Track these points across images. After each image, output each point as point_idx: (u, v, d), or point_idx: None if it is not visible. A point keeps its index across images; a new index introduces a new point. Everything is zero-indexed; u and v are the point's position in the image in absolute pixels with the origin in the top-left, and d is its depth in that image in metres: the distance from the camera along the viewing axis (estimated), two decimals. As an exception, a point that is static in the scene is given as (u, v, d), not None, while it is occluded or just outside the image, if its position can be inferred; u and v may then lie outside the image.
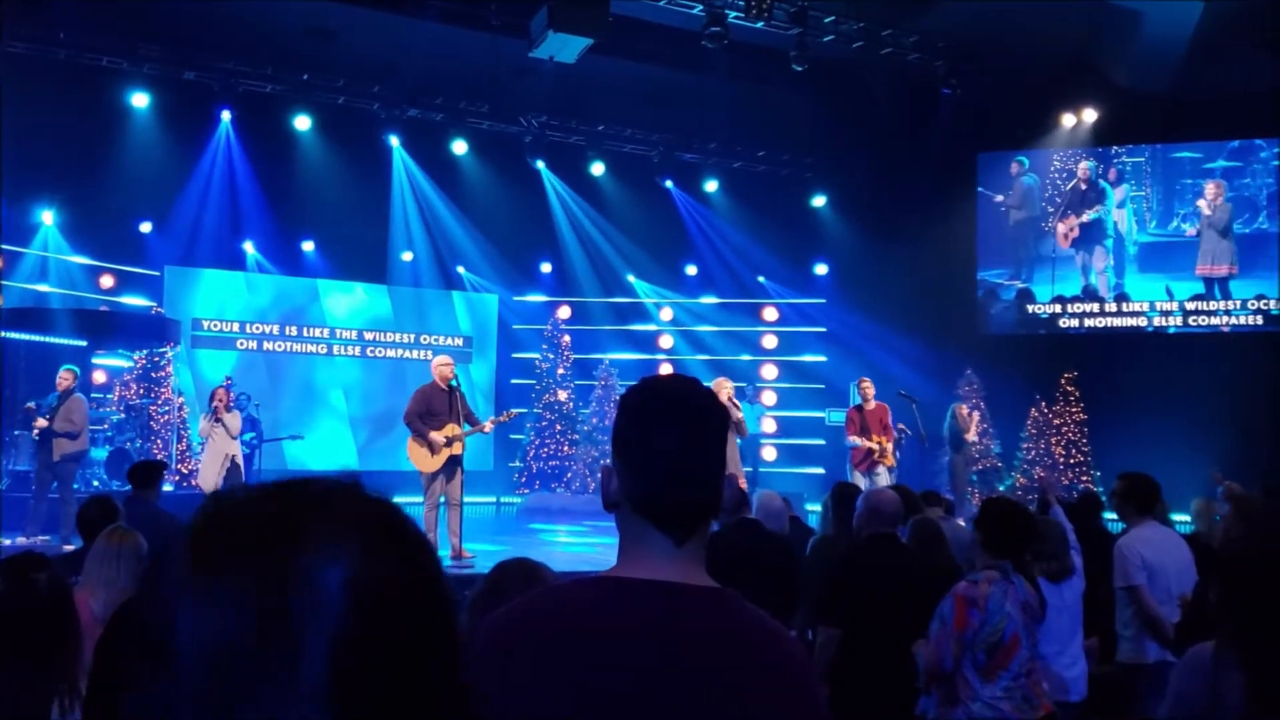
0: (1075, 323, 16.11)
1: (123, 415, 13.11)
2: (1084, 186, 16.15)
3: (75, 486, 10.68)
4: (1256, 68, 13.41)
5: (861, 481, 11.11)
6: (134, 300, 14.52)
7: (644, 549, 1.53)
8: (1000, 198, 16.58)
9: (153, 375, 13.67)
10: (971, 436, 13.33)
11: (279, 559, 0.73)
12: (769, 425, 16.74)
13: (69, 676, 2.85)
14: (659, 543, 1.53)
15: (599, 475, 1.61)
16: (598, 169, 16.55)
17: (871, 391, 11.73)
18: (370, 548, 0.75)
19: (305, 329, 16.15)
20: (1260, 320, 15.17)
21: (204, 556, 0.74)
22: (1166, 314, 15.65)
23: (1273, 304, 15.14)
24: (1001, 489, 14.46)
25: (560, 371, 16.49)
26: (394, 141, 15.70)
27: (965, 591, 3.99)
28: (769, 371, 17.59)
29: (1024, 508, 4.50)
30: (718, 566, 4.96)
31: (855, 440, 11.46)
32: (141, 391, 13.54)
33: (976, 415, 13.87)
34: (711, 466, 1.57)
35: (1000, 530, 4.11)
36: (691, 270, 17.96)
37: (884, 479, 11.11)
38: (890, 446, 11.55)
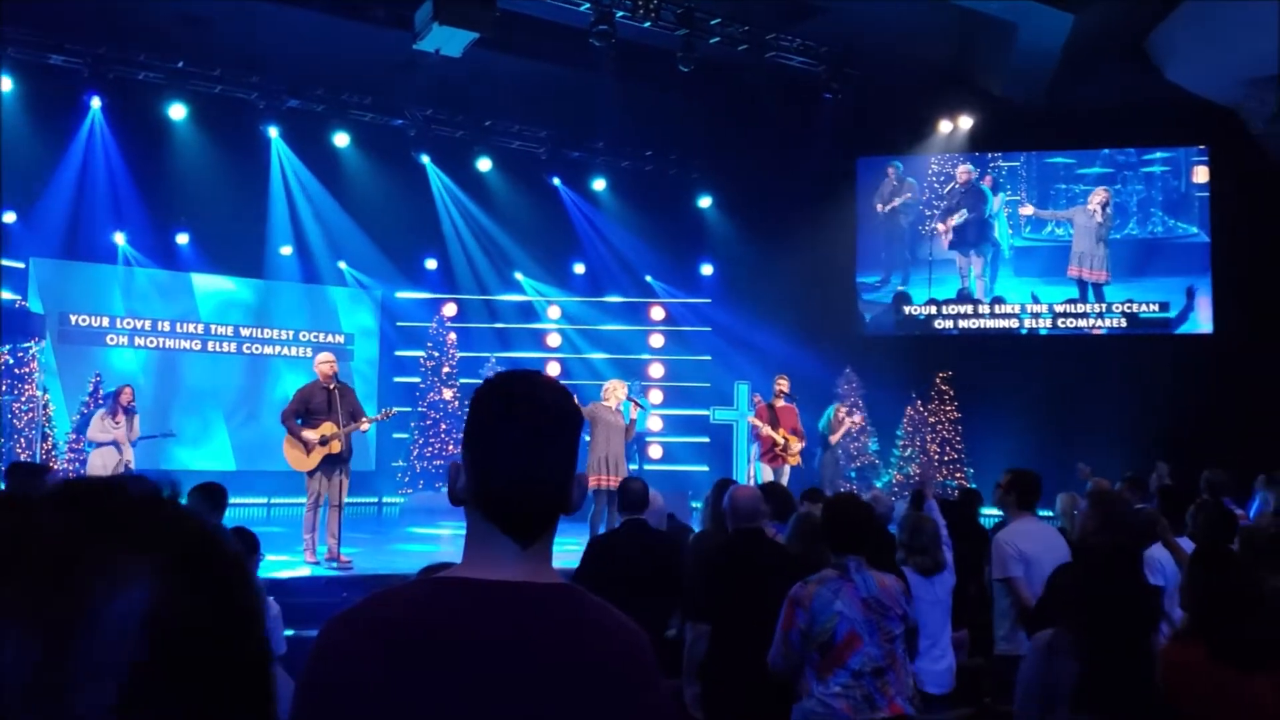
0: (950, 324, 16.57)
1: (-18, 413, 12.57)
2: (964, 189, 16.60)
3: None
4: (1126, 79, 13.97)
5: (768, 474, 11.26)
6: (-5, 293, 13.93)
7: (489, 549, 1.51)
8: (879, 206, 16.95)
9: (16, 371, 13.12)
10: (835, 439, 13.63)
11: (67, 594, 0.64)
12: (655, 424, 16.83)
13: None
14: (504, 544, 1.50)
15: (448, 470, 1.58)
16: (484, 165, 16.41)
17: (785, 389, 11.90)
18: (173, 579, 0.68)
19: (179, 324, 15.66)
20: (1124, 323, 15.81)
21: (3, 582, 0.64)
22: (1037, 316, 16.20)
23: (1137, 307, 15.79)
24: (879, 485, 14.80)
25: (445, 370, 16.31)
26: (273, 133, 15.31)
27: (794, 592, 4.02)
28: (656, 370, 17.68)
29: (864, 503, 4.56)
30: (606, 564, 4.98)
31: (757, 425, 11.60)
32: (3, 388, 12.98)
33: (848, 421, 14.10)
34: (557, 468, 1.54)
35: (840, 527, 4.15)
36: (579, 269, 17.94)
37: (785, 477, 11.29)
38: (797, 446, 11.72)
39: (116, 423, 10.90)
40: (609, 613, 1.53)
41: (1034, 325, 16.19)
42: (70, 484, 0.71)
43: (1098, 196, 16.03)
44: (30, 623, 0.64)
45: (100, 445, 10.92)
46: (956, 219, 16.58)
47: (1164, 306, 15.65)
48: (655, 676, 1.54)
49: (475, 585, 1.47)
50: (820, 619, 3.92)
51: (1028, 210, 16.33)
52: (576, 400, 1.66)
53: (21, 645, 0.63)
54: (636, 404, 10.39)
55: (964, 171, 16.56)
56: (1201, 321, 15.48)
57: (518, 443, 1.51)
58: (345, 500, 9.31)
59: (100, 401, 12.71)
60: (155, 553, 0.68)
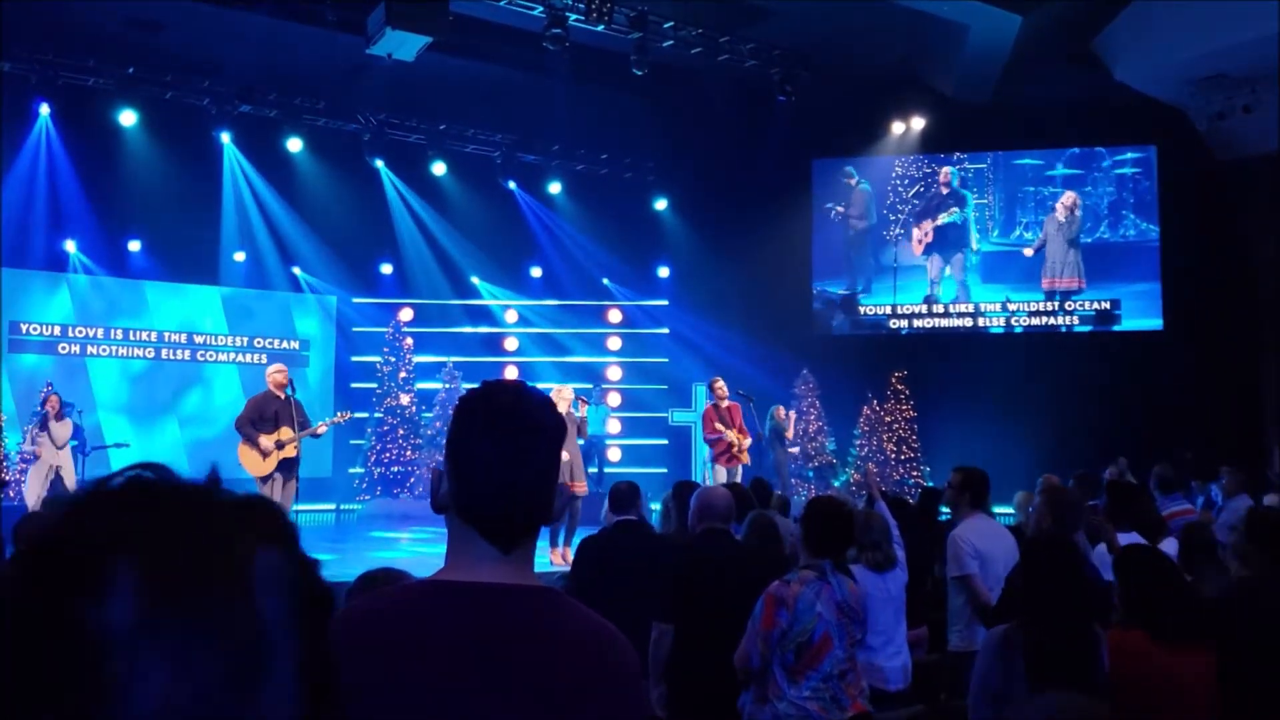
0: (905, 324, 16.68)
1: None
2: (945, 190, 16.58)
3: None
4: (1074, 80, 14.15)
5: (723, 475, 11.29)
6: (-58, 303, 13.69)
7: (471, 555, 1.53)
8: (840, 209, 16.97)
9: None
10: (790, 435, 13.73)
11: (246, 580, 0.74)
12: (613, 426, 16.83)
13: None
14: (486, 550, 1.52)
15: (429, 476, 1.61)
16: (439, 169, 16.33)
17: (725, 390, 11.94)
18: (292, 553, 0.81)
19: (132, 332, 15.47)
20: (1077, 321, 15.97)
21: (172, 585, 0.71)
22: (992, 315, 16.31)
23: (1090, 305, 15.94)
24: (836, 484, 14.89)
25: (402, 375, 16.21)
26: (225, 138, 15.15)
27: (775, 591, 4.02)
28: (613, 373, 17.68)
29: (846, 506, 4.58)
30: (603, 564, 4.97)
31: (721, 431, 11.61)
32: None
33: (794, 415, 14.22)
34: (540, 479, 1.56)
35: (821, 529, 4.17)
36: (536, 272, 17.91)
37: (739, 475, 11.32)
38: (747, 443, 11.77)
39: (43, 433, 10.71)
40: (591, 617, 1.55)
41: (988, 324, 16.31)
42: (201, 488, 0.82)
43: (1068, 199, 16.10)
44: (229, 613, 0.74)
45: (35, 460, 10.71)
46: (937, 220, 16.54)
47: (1115, 304, 15.81)
48: (633, 679, 1.55)
49: (456, 587, 1.49)
50: (803, 619, 3.94)
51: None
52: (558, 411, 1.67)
53: (224, 636, 0.73)
54: (584, 401, 10.44)
55: (946, 174, 16.54)
56: (1152, 318, 15.65)
57: (502, 455, 1.52)
58: (293, 507, 9.30)
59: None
60: (279, 535, 0.81)
